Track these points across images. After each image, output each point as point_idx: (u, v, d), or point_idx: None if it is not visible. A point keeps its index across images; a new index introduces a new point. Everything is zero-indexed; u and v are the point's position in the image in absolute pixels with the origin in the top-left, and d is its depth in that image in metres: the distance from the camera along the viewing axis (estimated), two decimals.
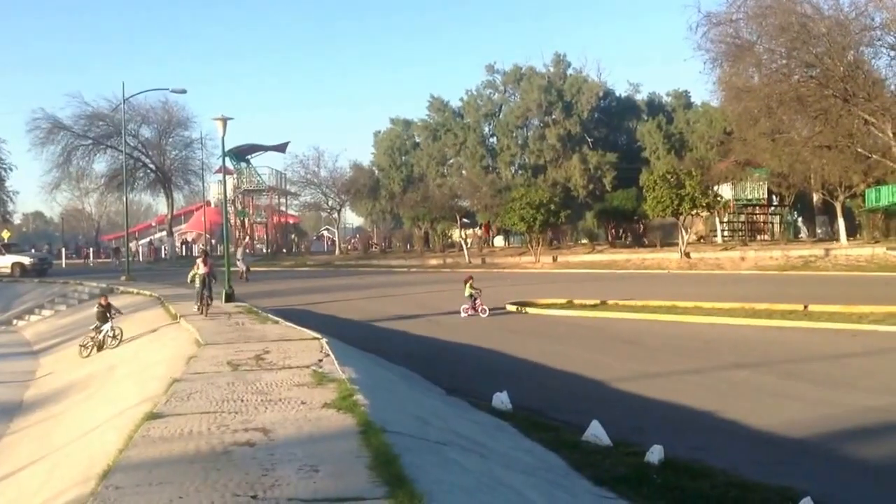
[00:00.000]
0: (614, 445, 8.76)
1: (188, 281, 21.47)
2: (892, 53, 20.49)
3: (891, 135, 19.35)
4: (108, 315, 18.27)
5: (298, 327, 15.65)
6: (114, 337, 17.95)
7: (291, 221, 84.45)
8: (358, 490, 4.66)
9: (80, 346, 17.62)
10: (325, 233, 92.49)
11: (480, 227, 66.17)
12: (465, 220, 65.20)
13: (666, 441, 8.50)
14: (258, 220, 75.50)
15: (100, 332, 17.93)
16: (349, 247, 75.22)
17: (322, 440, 5.94)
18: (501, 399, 10.87)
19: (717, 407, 10.81)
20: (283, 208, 77.94)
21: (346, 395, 7.68)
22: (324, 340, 12.79)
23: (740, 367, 14.03)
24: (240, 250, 29.91)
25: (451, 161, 73.08)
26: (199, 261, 21.29)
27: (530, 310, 24.45)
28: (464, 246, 58.54)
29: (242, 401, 7.73)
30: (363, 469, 5.09)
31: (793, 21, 19.28)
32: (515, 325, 21.02)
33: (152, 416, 7.06)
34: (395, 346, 17.46)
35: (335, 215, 74.18)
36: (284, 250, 71.15)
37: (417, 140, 75.34)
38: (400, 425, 6.72)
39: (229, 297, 23.94)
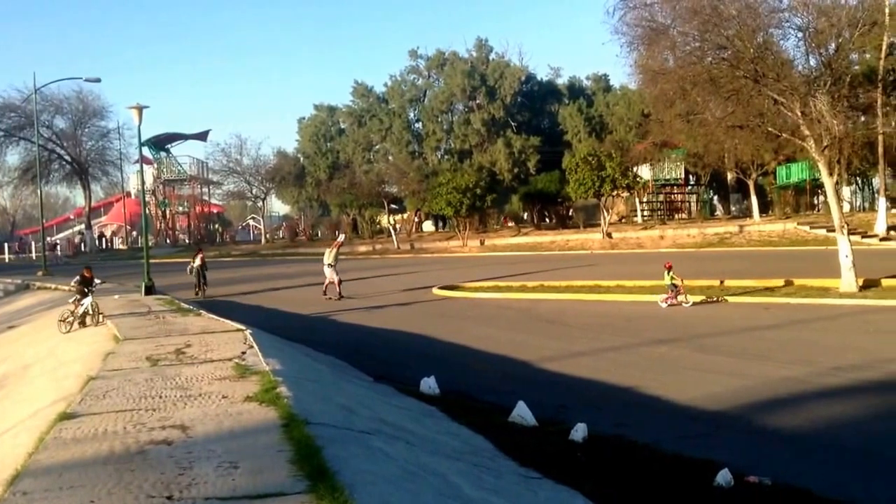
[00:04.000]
0: (540, 425, 8.88)
1: (188, 272, 26.73)
2: (800, 35, 21.07)
3: (799, 114, 19.96)
4: (89, 289, 17.06)
5: (222, 319, 15.35)
6: (93, 314, 16.62)
7: (215, 211, 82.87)
8: (278, 485, 4.59)
9: (59, 321, 16.33)
10: (251, 222, 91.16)
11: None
12: (393, 205, 65.08)
13: (590, 418, 8.66)
14: (180, 210, 73.88)
15: (80, 305, 16.71)
16: (275, 235, 74.30)
17: (243, 435, 5.84)
18: (429, 384, 10.90)
19: (638, 383, 11.07)
20: (205, 198, 76.39)
21: (270, 387, 7.56)
22: (248, 332, 12.58)
23: (661, 343, 14.41)
24: (332, 252, 24.04)
25: (378, 147, 72.72)
26: (196, 256, 27.04)
27: (458, 293, 24.58)
28: (392, 232, 58.42)
29: (161, 397, 7.54)
30: (284, 463, 5.02)
31: (704, 4, 19.67)
32: (444, 310, 21.10)
33: (65, 416, 6.82)
34: (323, 335, 17.32)
35: (260, 204, 73.13)
36: (207, 241, 69.77)
37: (342, 126, 74.68)
38: (324, 416, 6.66)
39: (149, 290, 23.34)
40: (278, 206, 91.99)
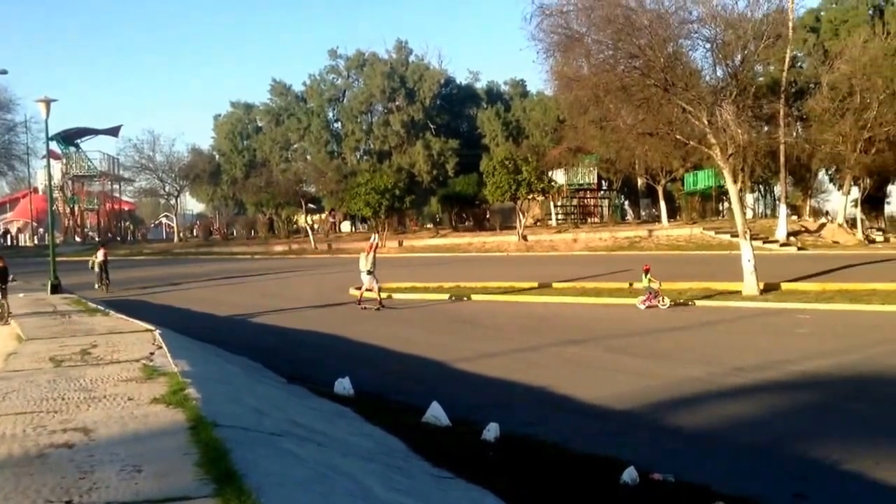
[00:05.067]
0: (453, 425, 8.95)
1: (89, 267, 27.82)
2: (708, 46, 21.82)
3: (706, 122, 20.70)
4: (4, 285, 16.10)
5: (130, 319, 14.93)
6: (3, 312, 15.67)
7: (126, 208, 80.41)
8: (183, 489, 4.49)
9: None
10: (164, 220, 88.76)
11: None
12: (311, 205, 64.46)
13: (503, 418, 8.76)
14: (90, 207, 71.47)
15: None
16: (189, 234, 72.61)
17: (148, 438, 5.69)
18: (343, 385, 10.84)
19: (550, 382, 11.26)
20: (116, 195, 74.06)
21: (178, 388, 7.39)
22: (157, 332, 12.27)
23: (571, 344, 14.72)
24: (369, 257, 21.16)
25: (296, 146, 71.86)
26: (99, 250, 28.13)
27: (375, 294, 24.47)
28: (310, 232, 57.84)
29: (63, 399, 7.27)
30: (191, 466, 4.91)
31: (618, 13, 20.17)
32: (360, 311, 20.99)
33: None
34: (236, 335, 17.02)
35: (173, 202, 71.37)
36: (118, 238, 67.62)
37: (260, 124, 73.54)
38: (234, 418, 6.55)
39: (56, 289, 22.54)
40: (192, 205, 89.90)
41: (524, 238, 46.25)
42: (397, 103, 65.44)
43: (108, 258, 28.52)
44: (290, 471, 5.27)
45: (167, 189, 69.51)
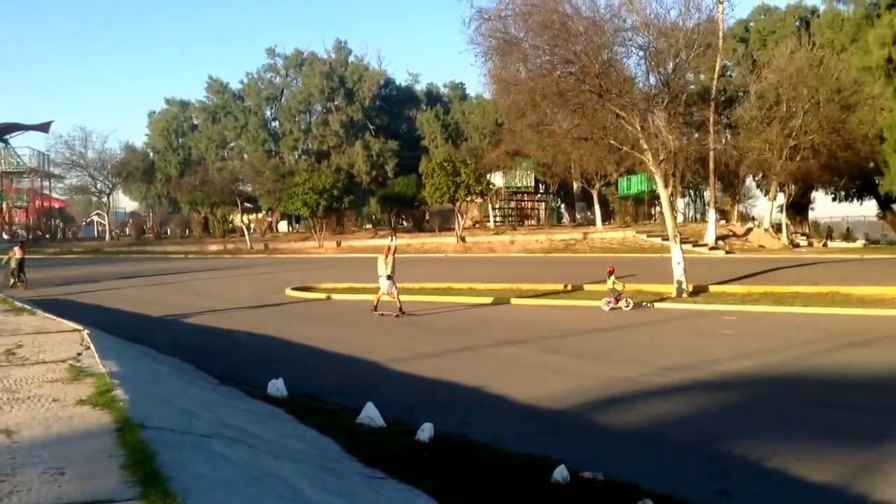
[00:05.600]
0: (388, 426, 8.96)
1: (2, 264, 28.22)
2: (641, 53, 22.30)
3: (639, 128, 21.15)
4: None
5: (58, 319, 14.51)
6: None
7: (57, 206, 78.11)
8: (108, 492, 4.42)
9: None
10: (96, 218, 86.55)
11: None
12: (247, 204, 63.71)
13: (437, 418, 8.80)
14: (18, 204, 69.29)
15: None
16: (121, 233, 70.98)
17: (73, 440, 5.57)
18: (277, 386, 10.75)
19: (485, 382, 11.36)
20: (46, 192, 71.90)
21: (105, 390, 7.24)
22: (85, 332, 11.97)
23: (508, 344, 14.87)
24: (388, 261, 19.60)
25: (232, 144, 70.95)
26: (15, 248, 28.63)
27: (311, 294, 24.37)
28: (245, 231, 57.10)
29: None
30: (116, 469, 4.83)
31: (554, 20, 20.47)
32: (296, 311, 20.84)
33: None
34: (168, 336, 16.70)
35: (105, 199, 69.69)
36: (48, 236, 65.62)
37: (196, 122, 72.38)
38: (162, 420, 6.46)
39: None
40: (125, 203, 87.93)
41: (462, 239, 46.51)
42: (336, 103, 65.13)
43: (26, 257, 28.86)
44: (219, 473, 5.22)
45: (99, 187, 67.88)
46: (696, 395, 10.70)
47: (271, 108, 70.14)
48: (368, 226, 64.71)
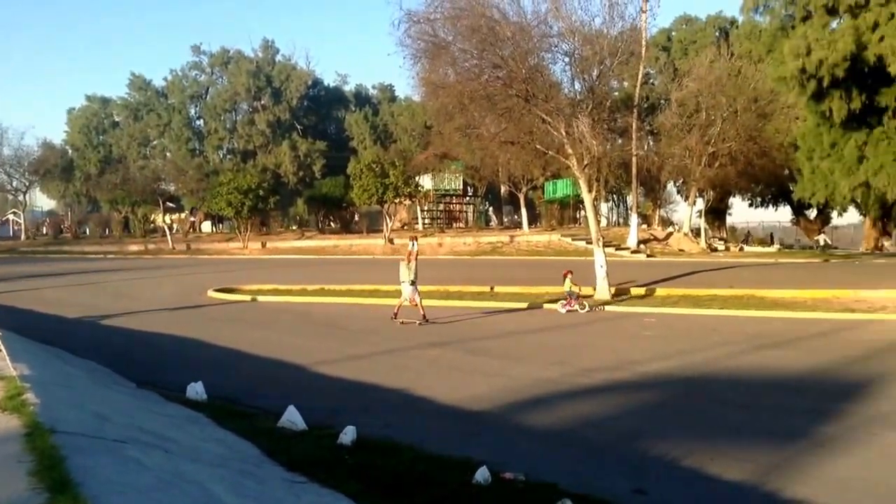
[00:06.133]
0: (310, 429, 8.87)
1: None
2: (567, 60, 22.62)
3: (564, 133, 21.47)
4: None
5: None
6: None
7: None
8: (14, 499, 4.25)
9: None
10: (12, 217, 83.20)
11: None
12: (169, 204, 62.35)
13: (361, 421, 8.76)
14: None
15: None
16: (38, 232, 68.55)
17: None
18: (196, 389, 10.54)
19: (410, 385, 11.36)
20: None
21: (15, 393, 6.98)
22: None
23: (433, 346, 14.91)
24: (411, 266, 18.37)
25: (155, 143, 69.32)
26: None
27: (235, 296, 23.99)
28: (167, 231, 55.83)
29: None
30: (23, 475, 4.65)
31: (482, 24, 20.62)
32: (219, 313, 20.49)
33: None
34: (85, 338, 16.23)
35: (21, 197, 67.24)
36: None
37: (117, 119, 70.41)
38: (75, 424, 6.26)
39: None
40: (43, 201, 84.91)
41: (391, 241, 46.42)
42: (263, 102, 64.28)
43: None
44: (132, 479, 5.09)
45: (14, 185, 65.56)
46: (617, 395, 10.92)
47: (196, 106, 68.78)
48: (295, 227, 63.90)
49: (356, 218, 59.17)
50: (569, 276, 20.34)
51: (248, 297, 23.84)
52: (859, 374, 11.87)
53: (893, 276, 24.23)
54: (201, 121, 68.87)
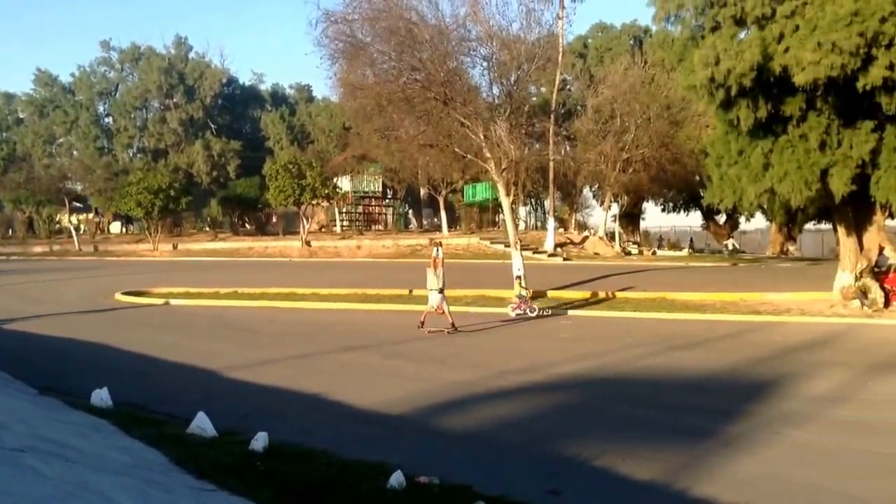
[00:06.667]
0: (221, 435, 8.62)
1: None
2: (485, 64, 22.77)
3: (482, 137, 21.58)
4: None
5: None
6: None
7: None
8: None
9: None
10: None
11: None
12: (76, 204, 60.22)
13: (274, 427, 8.57)
14: None
15: None
16: None
17: None
18: (101, 396, 10.11)
19: (325, 389, 11.19)
20: None
21: None
22: None
23: (349, 350, 14.76)
24: (439, 273, 17.40)
25: (61, 140, 66.73)
26: None
27: (144, 299, 23.25)
28: (74, 232, 53.80)
29: None
30: None
31: (401, 26, 20.56)
32: (127, 317, 19.82)
33: None
34: None
35: None
36: None
37: (21, 116, 67.51)
38: None
39: None
40: None
41: (308, 244, 45.83)
42: (175, 100, 62.69)
43: None
44: (30, 489, 4.81)
45: None
46: (532, 397, 11.00)
47: (105, 103, 66.54)
48: (208, 228, 62.41)
49: (273, 219, 58.24)
50: (519, 279, 20.42)
51: (158, 301, 23.14)
52: (764, 375, 12.28)
53: (797, 280, 25.24)
54: (110, 118, 66.70)
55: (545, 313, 19.98)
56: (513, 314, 19.67)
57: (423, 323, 17.26)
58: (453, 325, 17.07)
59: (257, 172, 55.64)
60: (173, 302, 23.00)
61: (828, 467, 7.82)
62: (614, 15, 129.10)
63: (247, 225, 60.57)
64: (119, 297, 23.70)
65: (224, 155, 61.58)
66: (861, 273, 19.56)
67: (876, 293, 19.06)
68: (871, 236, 20.26)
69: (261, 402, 10.86)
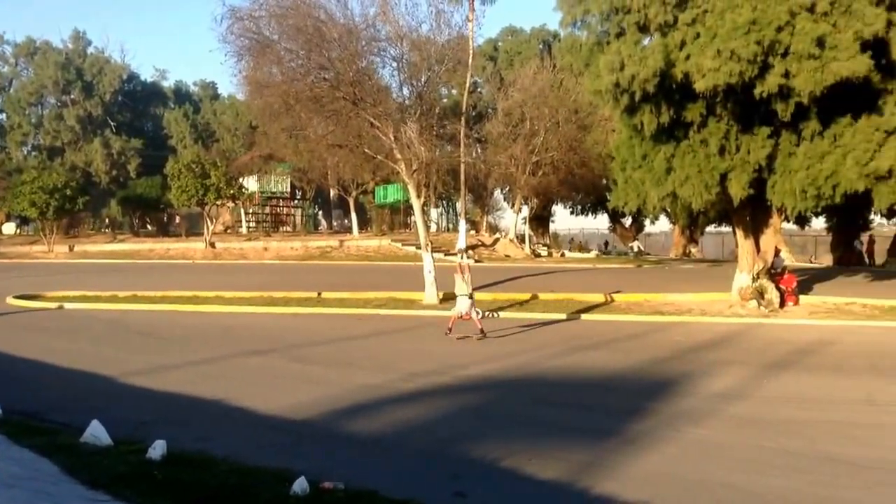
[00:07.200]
0: (116, 444, 8.24)
1: None
2: (395, 64, 22.65)
3: (392, 138, 21.45)
4: None
5: None
6: None
7: None
8: None
9: None
10: None
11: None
12: None
13: (174, 434, 8.29)
14: None
15: None
16: None
17: None
18: None
19: (228, 395, 10.86)
20: None
21: None
22: None
23: (254, 354, 14.40)
24: (468, 279, 16.78)
25: None
26: None
27: (37, 303, 22.14)
28: None
29: None
30: None
31: (308, 24, 20.24)
32: (19, 321, 18.84)
33: None
34: None
35: None
36: None
37: None
38: None
39: None
40: None
41: (212, 245, 44.66)
42: (73, 97, 60.23)
43: None
44: None
45: None
46: (440, 399, 10.94)
47: None
48: (107, 229, 60.10)
49: (176, 220, 56.54)
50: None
51: (53, 305, 22.05)
52: (666, 374, 12.57)
53: (698, 281, 26.06)
54: (3, 115, 63.62)
55: (492, 315, 20.05)
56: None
57: (450, 329, 16.57)
58: (482, 331, 16.42)
59: (159, 172, 53.89)
60: (68, 306, 21.97)
61: (725, 463, 8.02)
62: (524, 19, 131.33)
63: (148, 226, 58.65)
64: (10, 300, 22.50)
65: (124, 153, 59.50)
66: (758, 274, 20.32)
67: (772, 294, 19.84)
68: (768, 239, 21.07)
69: (160, 409, 10.46)
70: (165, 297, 22.89)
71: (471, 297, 16.62)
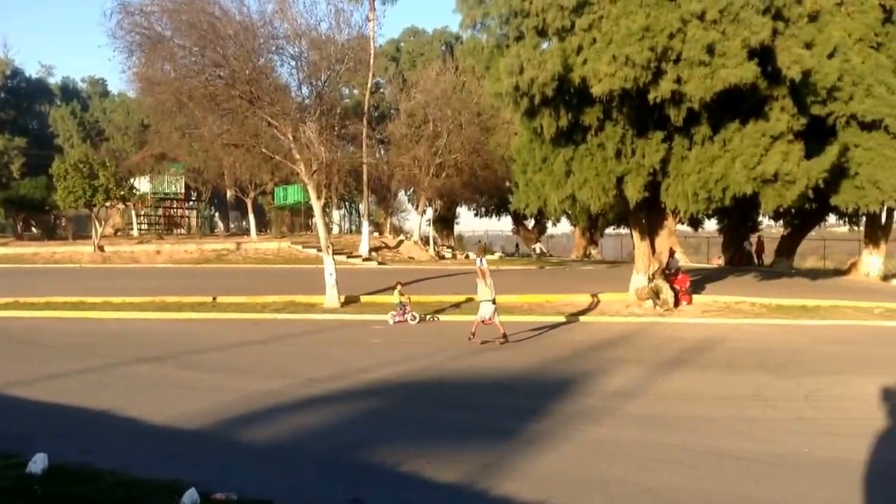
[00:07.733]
0: None
1: None
2: (294, 63, 22.25)
3: (291, 138, 21.04)
4: None
5: None
6: None
7: None
8: None
9: None
10: None
11: None
12: None
13: (56, 447, 7.86)
14: None
15: None
16: None
17: None
18: None
19: (115, 405, 10.36)
20: None
21: None
22: None
23: (144, 362, 13.82)
24: (491, 283, 16.19)
25: None
26: None
27: None
28: None
29: None
30: None
31: (202, 20, 19.63)
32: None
33: None
34: None
35: None
36: None
37: None
38: None
39: None
40: None
41: (101, 248, 42.75)
42: None
43: None
44: None
45: None
46: (339, 404, 10.74)
47: None
48: None
49: (62, 223, 53.95)
50: (398, 286, 20.09)
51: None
52: (566, 373, 12.75)
53: (598, 281, 26.59)
54: None
55: (432, 319, 19.99)
56: (392, 322, 19.27)
57: (473, 334, 16.13)
58: (504, 335, 16.08)
59: (45, 172, 51.23)
60: None
61: (620, 460, 8.16)
62: (427, 20, 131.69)
63: (33, 229, 55.73)
64: None
65: (7, 153, 56.40)
66: (653, 275, 20.91)
67: (667, 293, 20.46)
68: (663, 240, 21.71)
69: (42, 421, 9.94)
70: (50, 304, 21.72)
71: (494, 301, 16.26)
